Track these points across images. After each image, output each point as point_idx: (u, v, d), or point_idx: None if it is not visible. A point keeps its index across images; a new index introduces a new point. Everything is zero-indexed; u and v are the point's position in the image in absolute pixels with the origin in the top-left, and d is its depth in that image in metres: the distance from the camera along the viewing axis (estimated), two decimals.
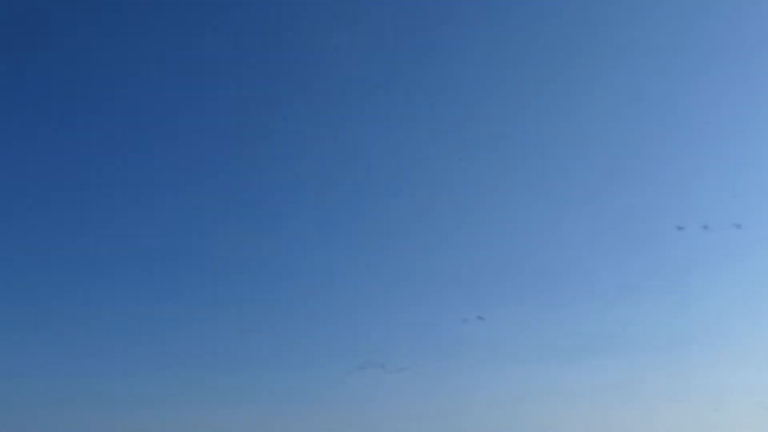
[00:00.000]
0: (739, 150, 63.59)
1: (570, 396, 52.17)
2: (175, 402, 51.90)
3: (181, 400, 52.14)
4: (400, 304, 58.75)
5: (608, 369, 53.63)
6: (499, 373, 53.77)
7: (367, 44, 64.94)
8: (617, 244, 61.40)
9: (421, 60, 65.11)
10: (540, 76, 63.53)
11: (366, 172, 65.03)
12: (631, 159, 64.43)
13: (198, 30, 64.85)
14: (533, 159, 64.54)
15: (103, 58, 65.16)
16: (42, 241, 61.07)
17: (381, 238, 63.13)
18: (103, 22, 64.44)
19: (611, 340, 55.81)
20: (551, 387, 53.03)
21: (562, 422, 50.42)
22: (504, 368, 53.92)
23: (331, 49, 63.92)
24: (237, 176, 64.85)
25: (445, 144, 63.63)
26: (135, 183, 64.55)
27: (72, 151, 64.68)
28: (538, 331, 56.48)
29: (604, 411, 51.03)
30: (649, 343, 55.07)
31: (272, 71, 66.67)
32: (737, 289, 58.25)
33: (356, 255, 61.87)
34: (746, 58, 63.44)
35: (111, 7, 64.35)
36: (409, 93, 65.44)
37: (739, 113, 64.14)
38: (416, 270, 60.66)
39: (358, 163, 65.52)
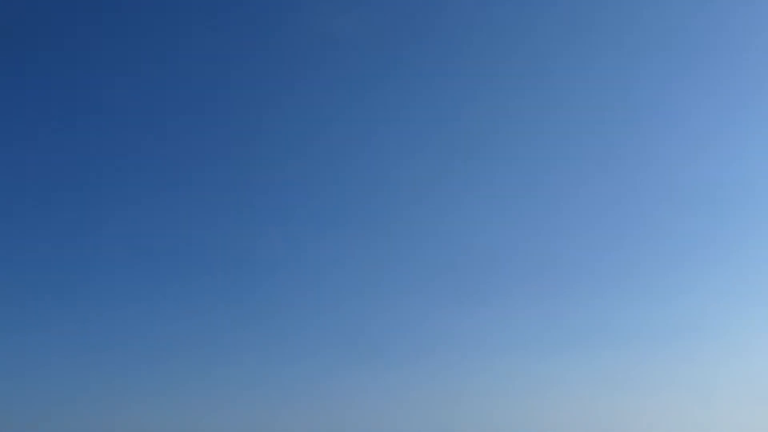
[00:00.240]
0: (726, 145, 64.00)
1: (559, 388, 52.96)
2: (171, 396, 52.02)
3: (177, 394, 52.26)
4: (391, 298, 59.38)
5: (598, 361, 54.40)
6: (488, 365, 54.96)
7: (364, 41, 65.39)
8: (604, 238, 62.08)
9: (413, 55, 65.47)
10: (531, 69, 63.96)
11: (358, 167, 65.65)
12: (618, 153, 65.07)
13: (198, 30, 64.97)
14: (521, 153, 65.38)
15: (103, 58, 65.29)
16: (42, 240, 61.10)
17: (371, 233, 63.63)
18: (103, 22, 64.58)
19: (601, 332, 56.44)
20: (539, 379, 53.81)
21: (551, 414, 51.28)
22: (492, 360, 55.12)
23: (326, 43, 64.32)
24: (232, 172, 65.06)
25: (437, 138, 64.23)
26: (134, 181, 64.56)
27: (72, 150, 64.77)
28: (526, 324, 57.18)
29: (594, 403, 51.75)
30: (638, 335, 55.91)
31: (268, 69, 66.94)
32: (724, 281, 58.92)
33: (347, 249, 62.40)
34: (740, 55, 63.55)
35: (111, 7, 64.49)
36: (400, 88, 65.70)
37: (726, 110, 64.01)
38: (407, 263, 61.30)
39: (349, 158, 66.12)
